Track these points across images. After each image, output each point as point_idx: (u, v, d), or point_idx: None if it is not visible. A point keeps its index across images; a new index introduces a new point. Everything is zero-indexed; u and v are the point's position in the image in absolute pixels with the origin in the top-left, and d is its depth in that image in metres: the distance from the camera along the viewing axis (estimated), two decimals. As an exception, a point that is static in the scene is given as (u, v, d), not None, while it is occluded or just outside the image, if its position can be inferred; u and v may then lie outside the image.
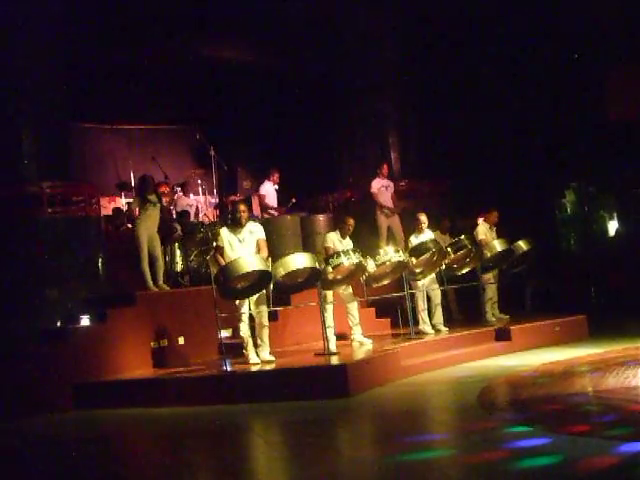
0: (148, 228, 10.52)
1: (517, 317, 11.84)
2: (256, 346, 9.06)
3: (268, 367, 8.88)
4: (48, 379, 8.97)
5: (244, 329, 8.96)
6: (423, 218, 10.90)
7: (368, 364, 8.81)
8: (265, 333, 9.08)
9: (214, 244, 9.07)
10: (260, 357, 9.05)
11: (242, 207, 9.12)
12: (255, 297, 8.96)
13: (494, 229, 11.95)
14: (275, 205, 13.62)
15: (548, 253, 14.09)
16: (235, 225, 9.06)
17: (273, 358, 9.07)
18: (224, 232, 9.04)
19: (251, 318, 9.08)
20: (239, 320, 8.92)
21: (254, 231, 9.11)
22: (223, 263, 8.72)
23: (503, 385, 8.47)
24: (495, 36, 15.09)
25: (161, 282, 10.66)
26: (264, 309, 9.03)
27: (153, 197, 10.65)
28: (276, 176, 13.55)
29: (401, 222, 13.43)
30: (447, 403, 8.03)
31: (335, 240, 9.93)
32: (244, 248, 8.94)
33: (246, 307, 8.96)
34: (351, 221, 10.08)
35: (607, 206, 16.95)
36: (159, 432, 7.77)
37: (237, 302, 8.92)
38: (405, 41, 15.35)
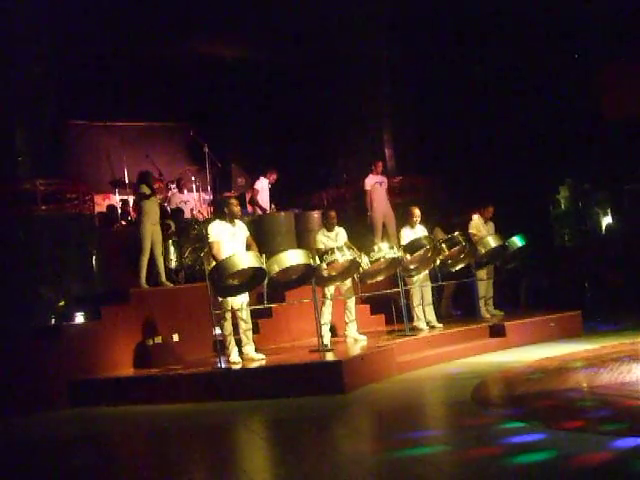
0: (153, 223, 10.55)
1: (511, 313, 11.87)
2: (241, 344, 9.08)
3: (265, 363, 8.88)
4: (43, 377, 8.98)
5: (227, 327, 8.97)
6: (417, 212, 10.88)
7: (363, 360, 8.81)
8: (249, 332, 9.13)
9: (209, 241, 9.04)
10: (249, 355, 9.06)
11: (235, 201, 9.21)
12: (240, 296, 8.98)
13: (491, 225, 11.96)
14: (267, 203, 13.59)
15: (542, 249, 14.10)
16: (227, 219, 9.07)
17: (262, 356, 9.09)
18: (215, 226, 9.02)
19: (234, 316, 9.10)
20: (223, 318, 8.92)
21: (242, 227, 9.19)
22: (221, 257, 8.70)
23: (497, 381, 8.48)
24: (492, 33, 15.09)
25: (164, 279, 10.68)
26: (247, 308, 9.06)
27: (152, 191, 10.69)
28: (273, 177, 13.54)
29: (395, 218, 13.42)
30: (441, 399, 8.04)
31: (323, 239, 9.89)
32: (235, 242, 8.96)
33: (230, 305, 8.96)
34: (332, 213, 10.09)
35: (601, 202, 16.97)
36: (154, 429, 7.76)
37: (220, 300, 8.90)
38: (401, 38, 15.34)
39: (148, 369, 9.57)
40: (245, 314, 9.08)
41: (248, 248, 9.03)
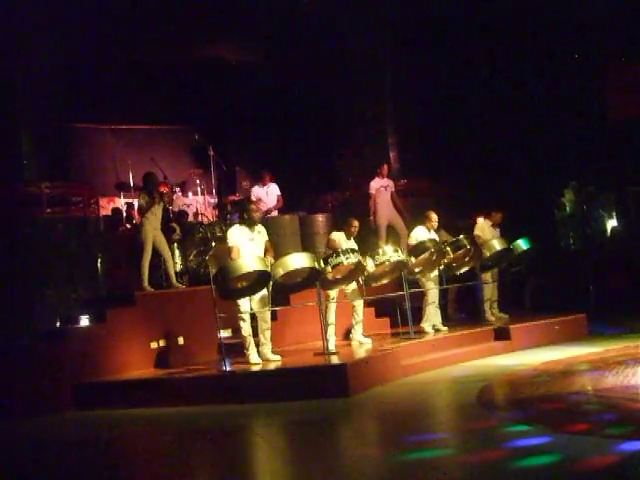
0: (155, 228, 10.54)
1: (516, 316, 11.85)
2: (258, 345, 9.11)
3: (270, 367, 8.91)
4: (47, 379, 8.97)
5: (246, 328, 8.98)
6: (434, 217, 10.88)
7: (368, 363, 8.81)
8: (268, 332, 9.15)
9: (228, 246, 9.05)
10: (266, 356, 9.11)
11: (255, 207, 9.37)
12: (258, 297, 9.00)
13: (497, 229, 11.96)
14: (267, 206, 13.49)
15: (547, 252, 14.08)
16: (247, 224, 9.12)
17: (278, 357, 9.14)
18: (235, 231, 9.08)
19: (251, 317, 9.11)
20: (241, 319, 8.94)
21: (262, 231, 9.25)
22: None
23: (502, 384, 8.48)
24: (494, 35, 15.09)
25: (174, 281, 10.70)
26: (267, 309, 9.09)
27: (156, 196, 10.66)
28: (267, 178, 13.34)
29: (404, 220, 13.40)
30: (446, 402, 8.04)
31: (341, 239, 9.92)
32: (255, 247, 9.03)
33: (247, 306, 8.99)
34: (356, 223, 10.12)
35: (606, 205, 16.96)
36: (159, 432, 7.77)
37: (239, 301, 8.94)
38: (404, 41, 15.34)
39: (153, 372, 9.59)
40: (266, 314, 9.13)
41: (265, 253, 9.08)
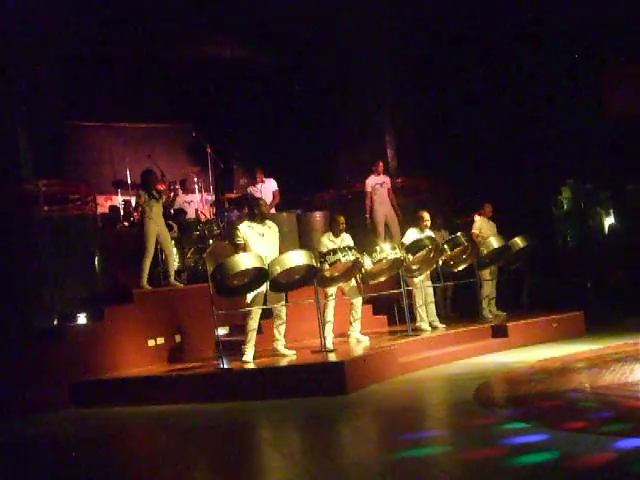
0: (158, 225, 10.54)
1: (514, 314, 11.86)
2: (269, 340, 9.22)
3: (268, 364, 8.92)
4: (45, 378, 8.98)
5: (252, 324, 8.99)
6: (427, 216, 10.86)
7: (365, 361, 8.81)
8: (283, 328, 9.23)
9: (236, 242, 9.02)
10: (280, 351, 9.17)
11: (264, 202, 9.49)
12: (274, 294, 9.05)
13: (493, 224, 11.98)
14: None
15: (545, 249, 14.09)
16: (257, 220, 9.13)
17: (293, 352, 9.20)
18: (244, 228, 9.07)
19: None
20: (249, 315, 8.95)
21: (272, 226, 9.28)
22: None
23: (500, 381, 8.48)
24: (492, 33, 15.08)
25: (173, 279, 10.69)
26: (283, 304, 9.18)
27: (155, 193, 10.66)
28: (260, 176, 13.32)
29: (398, 219, 13.42)
30: (444, 400, 8.04)
31: (327, 243, 9.86)
32: (265, 242, 9.06)
33: (259, 301, 9.00)
34: (341, 219, 10.03)
35: (603, 202, 16.97)
36: (157, 430, 7.77)
37: (250, 296, 8.94)
38: (403, 39, 15.33)
39: (151, 369, 9.59)
40: (282, 310, 9.17)
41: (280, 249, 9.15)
